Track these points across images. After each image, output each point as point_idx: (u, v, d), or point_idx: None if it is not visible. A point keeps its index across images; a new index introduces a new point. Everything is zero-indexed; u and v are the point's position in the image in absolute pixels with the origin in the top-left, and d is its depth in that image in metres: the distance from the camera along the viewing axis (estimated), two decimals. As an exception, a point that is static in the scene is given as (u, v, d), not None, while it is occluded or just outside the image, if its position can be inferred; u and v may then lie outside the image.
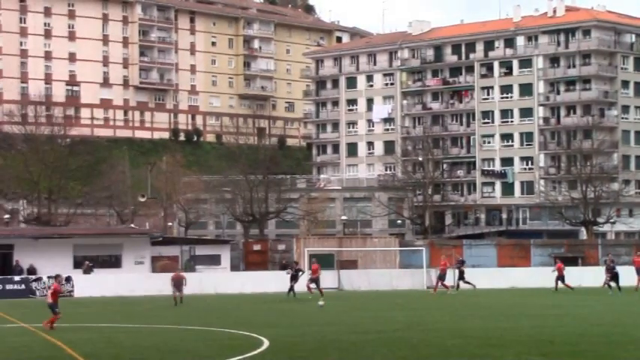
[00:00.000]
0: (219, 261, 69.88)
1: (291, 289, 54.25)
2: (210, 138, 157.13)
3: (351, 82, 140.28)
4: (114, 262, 65.87)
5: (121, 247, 67.16)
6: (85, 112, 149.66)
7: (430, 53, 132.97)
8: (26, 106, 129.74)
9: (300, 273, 55.89)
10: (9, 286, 59.36)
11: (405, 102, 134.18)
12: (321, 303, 39.31)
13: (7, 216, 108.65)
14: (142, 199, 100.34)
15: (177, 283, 49.57)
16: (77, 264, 65.13)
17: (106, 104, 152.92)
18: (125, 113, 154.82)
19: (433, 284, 59.28)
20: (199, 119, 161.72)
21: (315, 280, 54.29)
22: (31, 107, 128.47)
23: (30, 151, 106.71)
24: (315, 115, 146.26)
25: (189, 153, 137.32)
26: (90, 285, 59.29)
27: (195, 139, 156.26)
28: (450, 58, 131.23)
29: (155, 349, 27.16)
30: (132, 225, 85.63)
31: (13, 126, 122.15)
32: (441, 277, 57.38)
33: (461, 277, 58.43)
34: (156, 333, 33.14)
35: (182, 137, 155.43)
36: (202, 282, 60.52)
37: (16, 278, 60.77)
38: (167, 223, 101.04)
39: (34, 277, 61.15)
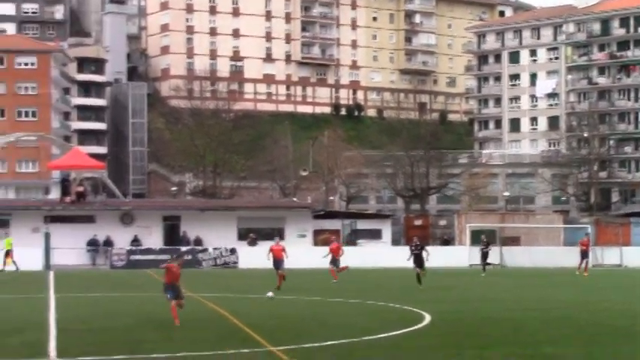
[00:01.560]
0: (380, 235, 69.95)
1: (484, 265, 54.00)
2: (372, 113, 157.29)
3: (514, 57, 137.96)
4: (277, 235, 66.67)
5: (283, 220, 68.03)
6: (248, 87, 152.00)
7: (597, 27, 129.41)
8: (192, 81, 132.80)
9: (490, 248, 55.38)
10: (176, 257, 60.86)
11: (569, 77, 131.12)
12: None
13: (174, 188, 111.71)
14: (304, 173, 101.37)
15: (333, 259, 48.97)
16: (241, 236, 66.38)
17: (268, 79, 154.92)
18: (287, 88, 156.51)
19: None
20: (360, 94, 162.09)
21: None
22: (197, 82, 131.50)
23: (196, 125, 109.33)
24: (477, 90, 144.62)
25: (350, 128, 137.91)
26: (254, 257, 60.22)
27: (356, 114, 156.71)
28: (617, 31, 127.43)
29: (316, 322, 27.36)
30: (294, 199, 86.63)
31: (179, 100, 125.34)
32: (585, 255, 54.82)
33: (484, 257, 55.74)
34: (317, 305, 33.40)
35: (343, 112, 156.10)
36: (364, 256, 60.71)
37: (183, 249, 62.35)
38: (329, 197, 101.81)
39: (200, 247, 62.63)
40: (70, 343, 22.13)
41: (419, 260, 41.83)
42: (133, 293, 38.53)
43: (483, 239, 56.09)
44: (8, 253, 56.72)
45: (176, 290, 25.91)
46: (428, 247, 44.44)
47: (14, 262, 56.39)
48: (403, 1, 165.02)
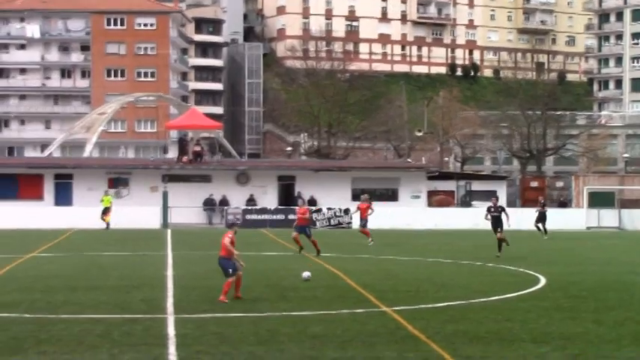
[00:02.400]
0: (496, 197, 69.12)
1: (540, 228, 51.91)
2: (488, 73, 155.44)
3: (637, 15, 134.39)
4: (390, 196, 66.68)
5: (397, 181, 67.90)
6: (363, 47, 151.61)
7: None
8: (307, 41, 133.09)
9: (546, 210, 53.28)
10: (291, 216, 61.41)
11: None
12: (306, 275, 27.20)
13: (289, 148, 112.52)
14: (419, 134, 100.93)
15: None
16: (355, 197, 66.50)
17: (384, 39, 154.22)
18: (403, 48, 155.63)
19: None
20: (477, 54, 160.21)
21: (364, 222, 45.39)
22: (312, 42, 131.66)
23: (311, 85, 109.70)
24: (597, 50, 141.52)
25: (465, 88, 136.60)
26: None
27: (472, 74, 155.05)
28: None
29: (430, 283, 27.32)
30: (408, 159, 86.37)
31: (295, 61, 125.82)
32: None
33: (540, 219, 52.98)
34: (431, 266, 33.33)
35: (459, 72, 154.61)
36: (478, 218, 60.17)
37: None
38: (443, 158, 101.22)
39: (314, 207, 63.01)
40: (186, 300, 22.57)
41: (497, 223, 37.42)
42: (248, 252, 39.01)
43: (540, 200, 54.49)
44: (106, 211, 57.63)
45: (233, 264, 22.93)
46: (507, 209, 39.33)
47: (106, 221, 57.16)
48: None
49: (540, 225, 51.86)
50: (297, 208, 39.41)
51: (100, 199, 58.85)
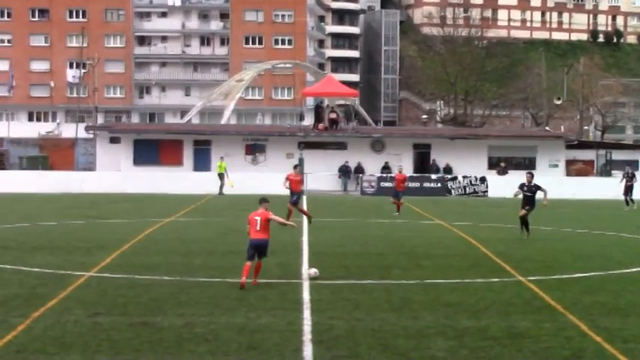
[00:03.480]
0: (637, 166, 67.53)
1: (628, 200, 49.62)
2: (631, 39, 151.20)
3: None
4: (528, 165, 65.74)
5: (535, 149, 66.89)
6: (502, 14, 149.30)
7: None
8: (445, 8, 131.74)
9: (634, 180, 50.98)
10: (426, 184, 61.27)
11: None
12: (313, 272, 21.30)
13: (424, 116, 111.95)
14: (558, 102, 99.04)
15: None
16: (491, 165, 65.86)
17: (523, 5, 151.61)
18: (542, 14, 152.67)
19: None
20: (620, 20, 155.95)
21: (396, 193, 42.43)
22: (450, 9, 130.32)
23: (447, 52, 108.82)
24: None
25: (607, 55, 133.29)
26: (503, 186, 59.64)
27: (614, 40, 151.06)
28: None
29: (567, 253, 26.91)
30: (546, 128, 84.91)
31: (432, 28, 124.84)
32: None
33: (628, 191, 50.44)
34: (568, 236, 32.82)
35: (601, 39, 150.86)
36: (619, 187, 58.83)
37: (433, 177, 62.56)
38: (582, 127, 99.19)
39: (449, 176, 62.65)
40: (321, 266, 22.75)
41: (528, 202, 31.16)
42: (383, 220, 39.09)
43: (628, 171, 52.19)
44: (222, 176, 58.26)
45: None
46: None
47: (221, 187, 57.88)
48: None
49: (628, 197, 49.75)
50: (290, 173, 37.58)
51: (217, 164, 59.73)
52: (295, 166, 39.11)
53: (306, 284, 19.93)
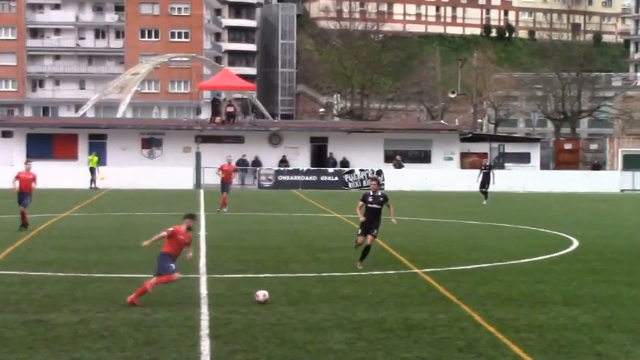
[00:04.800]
0: (529, 159, 68.96)
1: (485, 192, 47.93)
2: (523, 34, 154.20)
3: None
4: (423, 158, 66.60)
5: (430, 142, 67.76)
6: (397, 8, 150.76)
7: None
8: (341, 1, 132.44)
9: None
10: (323, 178, 61.57)
11: None
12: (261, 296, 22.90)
13: (322, 110, 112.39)
14: (452, 96, 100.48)
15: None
16: (387, 158, 66.47)
17: (418, 0, 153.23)
18: (437, 9, 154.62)
19: None
20: (512, 15, 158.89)
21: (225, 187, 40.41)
22: (346, 3, 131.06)
23: (344, 46, 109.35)
24: (634, 10, 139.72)
25: (500, 49, 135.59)
26: (399, 179, 60.37)
27: (507, 35, 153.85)
28: None
29: (462, 245, 27.32)
30: (441, 121, 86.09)
31: (328, 22, 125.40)
32: None
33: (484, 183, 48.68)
34: (463, 228, 33.31)
35: (493, 33, 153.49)
36: (511, 180, 60.07)
37: (330, 170, 62.87)
38: (476, 120, 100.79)
39: (346, 169, 63.04)
40: (219, 261, 22.71)
41: (372, 219, 31.65)
42: (280, 213, 39.18)
43: (485, 162, 50.81)
44: (92, 171, 58.10)
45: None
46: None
47: (92, 181, 57.80)
48: None
49: (485, 189, 47.83)
50: (224, 164, 39.10)
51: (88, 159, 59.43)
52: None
53: (204, 279, 19.88)
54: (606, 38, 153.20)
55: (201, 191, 54.93)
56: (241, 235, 29.02)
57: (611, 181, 61.40)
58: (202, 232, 29.40)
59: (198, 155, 61.24)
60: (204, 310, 16.41)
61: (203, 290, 18.41)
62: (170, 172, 59.98)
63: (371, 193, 22.81)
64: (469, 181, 55.13)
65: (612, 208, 46.77)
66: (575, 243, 28.02)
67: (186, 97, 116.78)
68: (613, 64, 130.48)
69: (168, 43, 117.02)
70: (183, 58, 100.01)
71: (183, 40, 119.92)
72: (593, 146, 74.22)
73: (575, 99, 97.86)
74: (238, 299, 17.49)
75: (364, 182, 61.29)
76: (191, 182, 60.17)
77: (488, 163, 50.39)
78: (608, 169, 67.68)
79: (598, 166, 69.44)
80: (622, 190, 60.55)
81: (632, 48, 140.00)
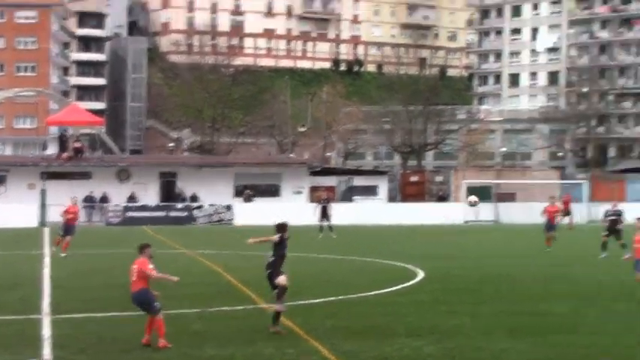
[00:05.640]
0: (376, 192, 70.04)
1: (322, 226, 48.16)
2: (371, 68, 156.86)
3: (517, 11, 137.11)
4: (273, 192, 66.87)
5: (280, 176, 68.08)
6: (248, 42, 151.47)
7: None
8: (192, 35, 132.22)
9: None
10: (172, 213, 61.16)
11: (571, 31, 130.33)
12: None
13: (171, 144, 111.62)
14: (302, 129, 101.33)
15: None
16: (238, 193, 66.49)
17: (269, 34, 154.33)
18: (288, 43, 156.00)
19: (593, 218, 57.75)
20: (361, 49, 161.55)
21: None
22: (197, 37, 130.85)
23: (195, 80, 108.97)
24: (477, 45, 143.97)
25: (349, 83, 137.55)
26: (250, 213, 60.42)
27: (356, 69, 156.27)
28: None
29: (312, 279, 27.51)
30: (291, 155, 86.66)
31: (179, 55, 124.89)
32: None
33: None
34: (312, 262, 33.54)
35: (343, 67, 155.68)
36: (359, 213, 60.87)
37: (179, 205, 62.50)
38: (326, 153, 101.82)
39: (196, 204, 62.75)
40: (64, 300, 22.29)
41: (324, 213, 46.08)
42: (128, 250, 38.62)
43: (322, 196, 51.20)
44: None
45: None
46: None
47: None
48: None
49: (325, 221, 48.32)
50: (69, 206, 37.30)
51: None
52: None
53: (47, 319, 19.46)
54: (451, 72, 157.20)
55: (46, 229, 53.74)
56: (87, 274, 28.56)
57: (455, 212, 62.80)
58: (47, 272, 28.78)
59: (43, 192, 59.98)
60: (47, 352, 16.07)
61: (46, 331, 18.03)
62: (14, 209, 58.47)
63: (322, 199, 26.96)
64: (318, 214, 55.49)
65: (457, 239, 47.86)
66: (421, 274, 28.55)
67: (32, 132, 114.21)
68: (458, 98, 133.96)
69: (13, 78, 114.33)
70: (29, 93, 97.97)
71: (29, 74, 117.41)
72: (439, 178, 75.93)
73: (421, 132, 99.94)
74: (84, 339, 17.20)
75: (213, 217, 61.15)
76: (36, 220, 58.82)
77: (325, 197, 50.94)
78: (453, 201, 69.24)
79: (443, 198, 71.02)
80: (466, 222, 62.01)
81: (475, 82, 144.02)
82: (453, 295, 24.02)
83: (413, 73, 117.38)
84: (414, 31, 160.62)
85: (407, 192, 73.91)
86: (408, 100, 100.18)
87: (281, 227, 18.44)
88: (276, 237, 18.20)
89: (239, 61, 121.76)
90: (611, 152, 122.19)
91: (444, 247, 42.03)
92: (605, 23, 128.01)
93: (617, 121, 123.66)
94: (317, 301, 22.62)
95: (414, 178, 75.61)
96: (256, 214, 60.18)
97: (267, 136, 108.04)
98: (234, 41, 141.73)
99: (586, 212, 61.94)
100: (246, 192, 65.54)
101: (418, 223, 59.30)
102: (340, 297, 23.31)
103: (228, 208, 61.12)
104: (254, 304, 21.86)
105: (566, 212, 56.28)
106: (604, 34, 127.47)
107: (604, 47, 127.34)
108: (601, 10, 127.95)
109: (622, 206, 39.33)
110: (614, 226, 35.83)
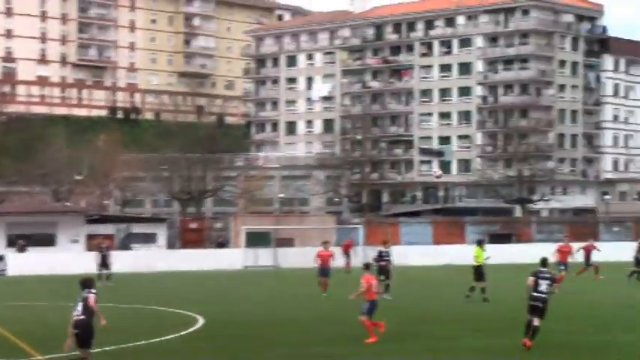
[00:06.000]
0: (155, 239, 69.52)
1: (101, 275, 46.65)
2: (149, 116, 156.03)
3: (292, 61, 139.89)
4: (48, 241, 65.19)
5: (55, 225, 66.46)
6: (21, 90, 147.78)
7: (371, 32, 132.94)
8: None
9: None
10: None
11: (345, 80, 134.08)
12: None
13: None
14: (78, 177, 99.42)
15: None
16: (11, 242, 64.41)
17: (42, 81, 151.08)
18: (62, 90, 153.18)
19: (369, 261, 59.17)
20: (138, 97, 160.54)
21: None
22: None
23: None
24: (254, 94, 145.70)
25: (127, 131, 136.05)
26: (23, 263, 58.65)
27: (133, 117, 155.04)
28: (390, 36, 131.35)
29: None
30: (67, 203, 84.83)
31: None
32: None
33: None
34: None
35: (120, 115, 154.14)
36: (137, 260, 60.23)
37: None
38: (103, 202, 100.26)
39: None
40: None
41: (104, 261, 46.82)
42: None
43: (102, 245, 50.31)
44: None
45: None
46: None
47: None
48: (182, 4, 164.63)
49: (104, 270, 47.48)
50: None
51: None
52: None
53: None
54: (229, 120, 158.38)
55: None
56: None
57: (234, 258, 63.06)
58: None
59: None
60: None
61: None
62: None
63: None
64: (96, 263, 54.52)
65: (236, 284, 48.10)
66: (201, 321, 28.53)
67: None
68: (236, 145, 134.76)
69: None
70: None
71: None
72: (218, 225, 76.15)
73: (200, 179, 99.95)
74: None
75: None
76: None
77: (105, 245, 50.28)
78: (232, 247, 69.47)
79: (223, 244, 71.21)
80: (245, 267, 62.35)
81: (253, 129, 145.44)
82: (234, 340, 24.14)
83: (191, 120, 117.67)
84: (191, 80, 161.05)
85: (186, 239, 73.68)
86: (186, 148, 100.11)
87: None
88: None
89: (11, 108, 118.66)
90: (385, 197, 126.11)
91: (224, 292, 42.15)
92: (376, 73, 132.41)
93: (389, 167, 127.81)
94: (94, 350, 22.20)
95: (193, 225, 75.48)
96: (30, 264, 58.50)
97: (41, 184, 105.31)
98: (6, 88, 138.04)
99: (362, 255, 63.29)
100: (19, 242, 63.61)
101: (198, 269, 59.14)
102: (118, 346, 22.99)
103: (1, 258, 59.12)
104: (28, 356, 21.24)
105: (347, 255, 58.20)
106: (375, 84, 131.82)
107: (376, 96, 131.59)
108: (372, 61, 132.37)
109: (395, 249, 40.72)
110: (385, 267, 37.39)
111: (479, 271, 35.56)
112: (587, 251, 48.87)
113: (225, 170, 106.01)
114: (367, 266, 25.81)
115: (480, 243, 37.24)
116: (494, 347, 22.88)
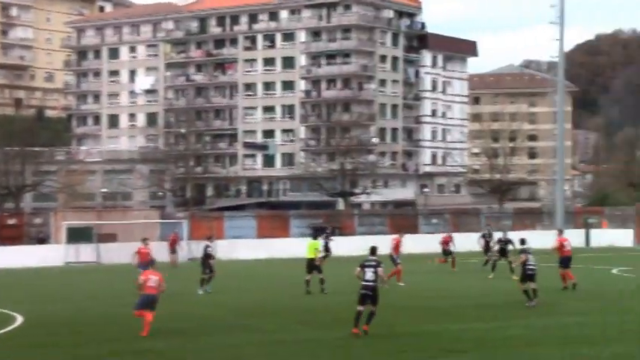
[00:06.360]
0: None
1: None
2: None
3: (114, 53, 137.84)
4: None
5: None
6: None
7: (195, 25, 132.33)
8: None
9: None
10: None
11: (168, 73, 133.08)
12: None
13: None
14: None
15: None
16: None
17: None
18: None
19: (193, 256, 59.01)
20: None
21: None
22: None
23: None
24: (75, 86, 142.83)
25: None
26: None
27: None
28: (214, 30, 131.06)
29: None
30: None
31: None
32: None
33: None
34: None
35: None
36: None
37: None
38: None
39: None
40: None
41: None
42: None
43: None
44: None
45: None
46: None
47: None
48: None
49: None
50: None
51: None
52: None
53: None
54: (50, 113, 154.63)
55: None
56: None
57: (55, 254, 61.80)
58: None
59: None
60: None
61: None
62: None
63: None
64: None
65: (58, 281, 47.21)
66: (20, 319, 27.88)
67: None
68: (56, 139, 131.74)
69: None
70: None
71: None
72: (38, 220, 74.22)
73: (19, 174, 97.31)
74: None
75: None
76: None
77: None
78: (53, 243, 67.95)
79: (43, 240, 69.57)
80: (67, 263, 61.19)
81: (74, 122, 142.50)
82: (55, 337, 23.72)
83: (9, 113, 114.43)
84: (9, 71, 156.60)
85: (4, 235, 71.41)
86: (3, 141, 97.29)
87: None
88: None
89: None
90: (209, 191, 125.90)
91: (44, 290, 41.30)
92: (200, 67, 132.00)
93: (213, 161, 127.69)
94: None
95: (11, 221, 73.24)
96: None
97: None
98: None
99: (187, 250, 63.14)
100: None
101: (17, 267, 57.63)
102: None
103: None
104: None
105: (173, 250, 58.10)
106: (199, 77, 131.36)
107: (200, 90, 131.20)
108: (196, 54, 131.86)
109: (219, 243, 40.84)
110: (207, 259, 37.51)
111: (311, 264, 35.91)
112: (445, 242, 49.42)
113: (45, 164, 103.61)
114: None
115: (315, 236, 37.70)
116: (323, 339, 23.21)
